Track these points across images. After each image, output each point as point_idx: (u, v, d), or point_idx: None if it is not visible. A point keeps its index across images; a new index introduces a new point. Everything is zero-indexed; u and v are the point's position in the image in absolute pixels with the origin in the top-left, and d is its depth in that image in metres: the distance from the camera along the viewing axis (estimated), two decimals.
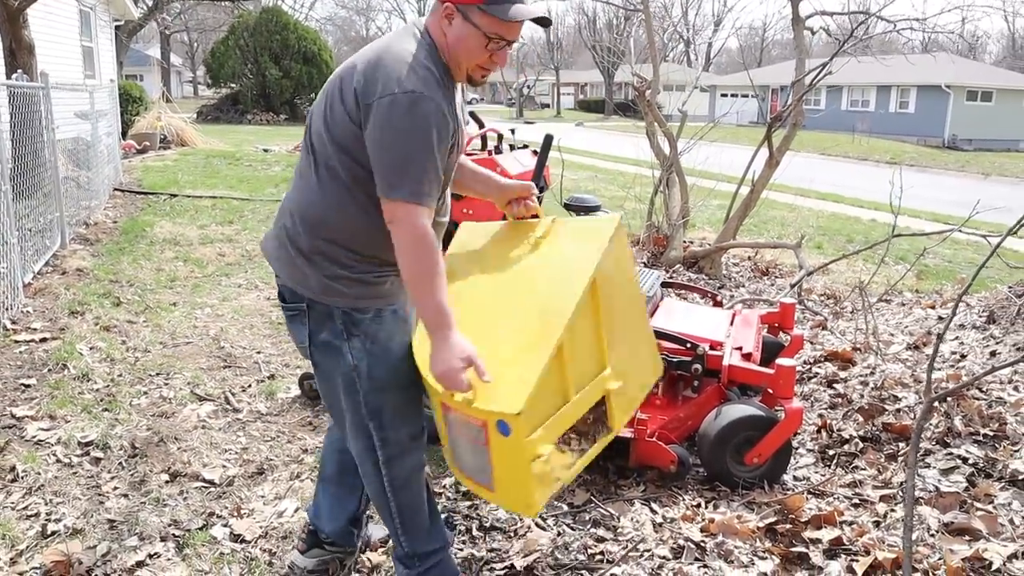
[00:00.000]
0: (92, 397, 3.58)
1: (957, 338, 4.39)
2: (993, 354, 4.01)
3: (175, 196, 9.50)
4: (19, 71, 7.19)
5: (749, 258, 7.26)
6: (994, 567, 2.52)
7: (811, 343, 4.70)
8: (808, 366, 4.31)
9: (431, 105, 1.80)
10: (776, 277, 6.69)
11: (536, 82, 51.90)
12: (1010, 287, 4.75)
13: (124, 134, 14.29)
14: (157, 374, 3.91)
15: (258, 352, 4.32)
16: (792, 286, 5.50)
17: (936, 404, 3.48)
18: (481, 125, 3.79)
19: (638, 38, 8.23)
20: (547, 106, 54.81)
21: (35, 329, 4.36)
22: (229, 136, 19.09)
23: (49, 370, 3.83)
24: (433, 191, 1.85)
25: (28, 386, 3.64)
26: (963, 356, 4.08)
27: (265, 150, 15.91)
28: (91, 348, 4.14)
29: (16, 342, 4.15)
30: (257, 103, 28.42)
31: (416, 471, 2.15)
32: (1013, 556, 2.58)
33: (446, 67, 1.90)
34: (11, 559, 2.40)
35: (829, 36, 7.75)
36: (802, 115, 6.67)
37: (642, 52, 8.27)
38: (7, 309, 4.47)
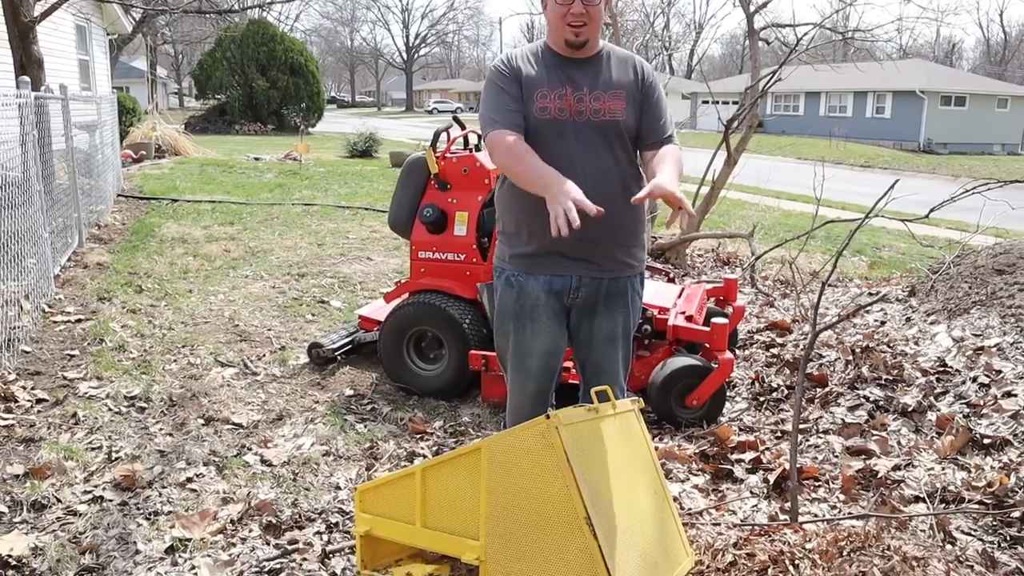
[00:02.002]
0: (130, 363, 4.15)
1: (882, 309, 5.02)
2: (908, 320, 4.64)
3: (176, 201, 10.05)
4: (45, 85, 7.74)
5: (712, 250, 7.89)
6: (879, 475, 3.14)
7: (757, 317, 5.32)
8: (751, 334, 4.94)
9: (497, 62, 2.48)
10: (736, 266, 7.31)
11: None
12: (930, 267, 5.40)
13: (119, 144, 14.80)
14: (183, 346, 4.48)
15: (269, 329, 4.90)
16: (744, 269, 6.13)
17: (850, 356, 4.11)
18: (463, 127, 4.40)
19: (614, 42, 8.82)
20: None
21: (70, 312, 4.92)
22: (219, 146, 19.62)
23: (88, 344, 4.39)
24: (498, 120, 2.40)
25: (73, 356, 4.20)
26: (883, 323, 4.71)
27: (256, 159, 16.44)
28: (123, 326, 4.71)
29: (55, 322, 4.71)
30: (244, 114, 28.91)
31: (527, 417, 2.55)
32: (896, 467, 3.20)
33: (547, 46, 2.48)
34: (85, 477, 2.97)
35: (784, 46, 8.41)
36: (756, 119, 7.32)
37: None
38: (44, 296, 5.02)
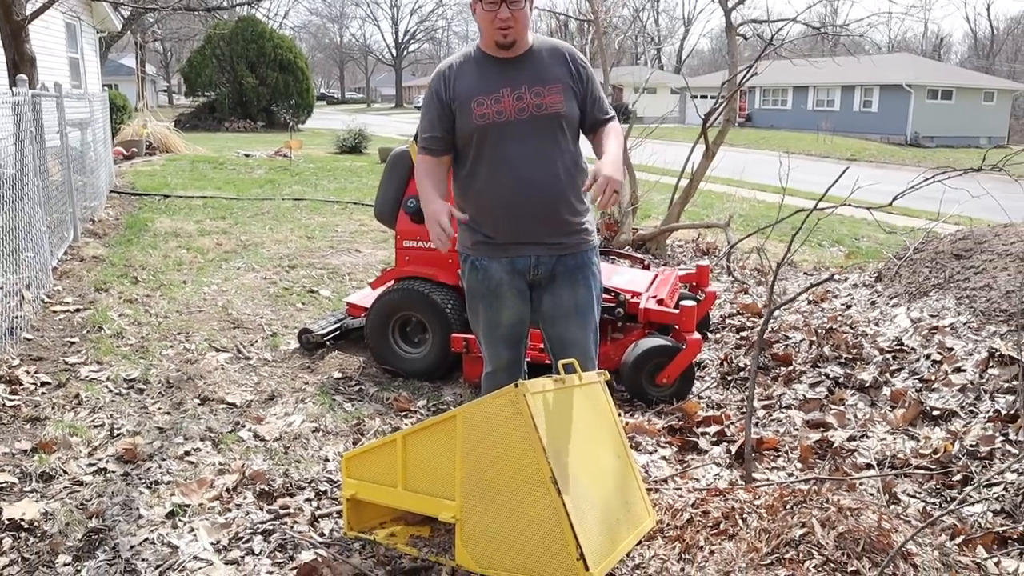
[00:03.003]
0: (128, 349, 4.33)
1: (849, 294, 5.24)
2: (873, 303, 4.86)
3: (168, 197, 10.21)
4: (40, 84, 7.88)
5: (692, 240, 8.11)
6: (835, 445, 3.35)
7: (731, 303, 5.54)
8: (724, 318, 5.16)
9: (435, 76, 2.68)
10: (715, 256, 7.54)
11: None
12: (895, 254, 5.63)
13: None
14: (179, 333, 4.67)
15: (261, 317, 5.09)
16: (720, 258, 6.35)
17: (814, 337, 4.33)
18: None
19: (592, 47, 9.04)
20: None
21: (68, 302, 5.09)
22: (210, 143, 19.73)
23: (88, 331, 4.57)
24: (425, 144, 2.68)
25: (73, 343, 4.38)
26: (849, 306, 4.93)
27: (246, 155, 16.58)
28: (120, 315, 4.89)
29: (55, 312, 4.89)
30: (234, 111, 28.97)
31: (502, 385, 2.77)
32: (851, 438, 3.43)
33: (480, 50, 2.66)
34: (89, 452, 3.16)
35: (763, 42, 8.62)
36: (734, 112, 7.53)
37: (596, 58, 9.09)
38: (42, 287, 5.20)
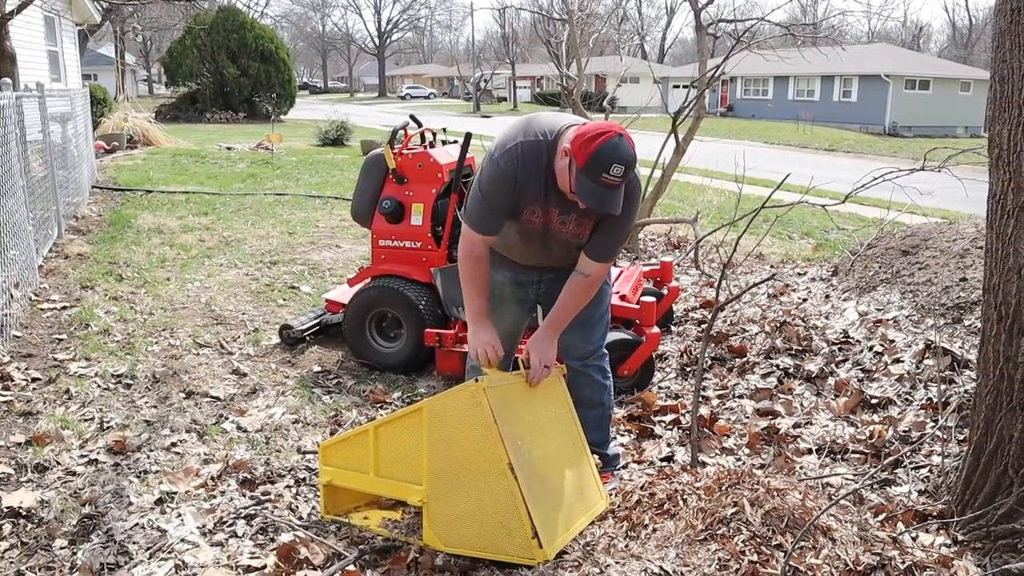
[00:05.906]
0: (115, 345, 4.52)
1: (807, 287, 5.50)
2: (827, 297, 5.11)
3: (150, 192, 10.33)
4: (24, 85, 7.98)
5: (664, 234, 8.35)
6: (781, 431, 3.60)
7: (695, 297, 5.79)
8: (687, 312, 5.40)
9: (508, 162, 2.64)
10: (684, 250, 7.78)
11: (492, 76, 52.87)
12: (850, 249, 5.89)
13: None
14: (164, 329, 4.85)
15: (243, 313, 5.29)
16: (687, 252, 6.60)
17: (768, 330, 4.58)
18: (419, 124, 4.80)
19: (571, 40, 9.22)
20: (504, 99, 55.75)
21: (55, 300, 5.26)
22: (191, 135, 19.77)
23: (75, 328, 4.75)
24: (480, 225, 2.72)
25: (61, 339, 4.56)
26: (805, 300, 5.19)
27: (228, 148, 16.65)
28: (106, 312, 5.07)
29: (42, 310, 5.06)
30: (216, 102, 28.93)
31: None
32: (796, 425, 3.67)
33: (554, 174, 2.63)
34: (81, 444, 3.36)
35: (733, 39, 8.84)
36: (704, 109, 7.75)
37: (571, 52, 9.28)
38: (29, 285, 5.36)
